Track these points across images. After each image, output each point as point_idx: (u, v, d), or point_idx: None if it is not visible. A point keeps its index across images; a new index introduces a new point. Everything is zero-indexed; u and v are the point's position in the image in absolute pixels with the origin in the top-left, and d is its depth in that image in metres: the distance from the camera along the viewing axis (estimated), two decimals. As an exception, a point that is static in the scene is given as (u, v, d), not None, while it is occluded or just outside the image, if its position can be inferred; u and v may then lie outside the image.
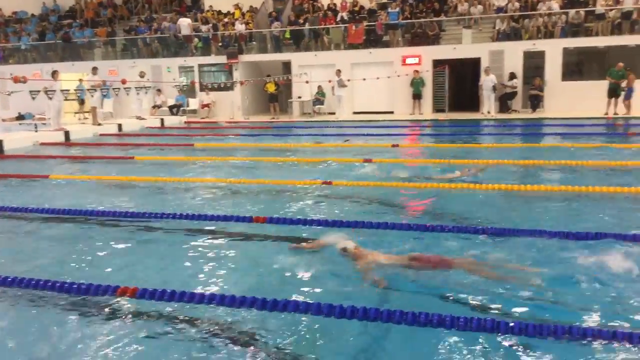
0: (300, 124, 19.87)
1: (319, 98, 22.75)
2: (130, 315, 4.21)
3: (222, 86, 23.37)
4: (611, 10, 20.17)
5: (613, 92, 18.26)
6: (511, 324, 3.66)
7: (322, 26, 23.69)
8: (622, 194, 7.44)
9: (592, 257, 5.01)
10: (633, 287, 4.48)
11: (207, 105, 23.92)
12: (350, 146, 13.60)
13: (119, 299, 4.39)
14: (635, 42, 19.84)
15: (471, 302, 4.31)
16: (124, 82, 19.52)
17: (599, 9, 20.42)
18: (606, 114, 18.28)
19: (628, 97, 18.14)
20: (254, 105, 24.65)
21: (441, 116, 20.55)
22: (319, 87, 22.50)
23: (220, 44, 24.79)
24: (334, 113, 21.95)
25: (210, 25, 25.46)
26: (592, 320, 3.95)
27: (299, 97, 23.32)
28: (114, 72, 24.08)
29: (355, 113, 22.44)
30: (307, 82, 22.37)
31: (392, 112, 22.13)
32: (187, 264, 5.41)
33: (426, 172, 9.44)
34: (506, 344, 3.59)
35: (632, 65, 19.41)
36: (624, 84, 18.19)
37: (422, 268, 4.88)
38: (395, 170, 9.90)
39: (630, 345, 3.46)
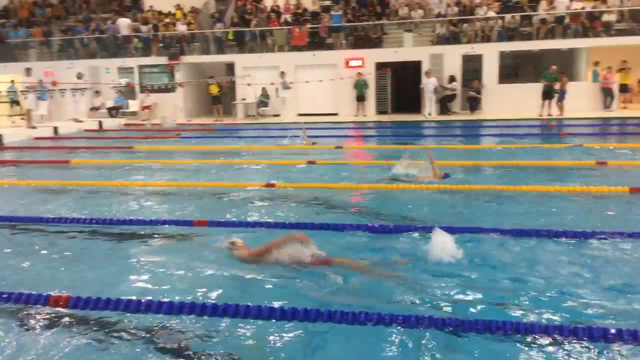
0: (244, 126, 19.71)
1: (263, 100, 22.63)
2: (64, 325, 4.05)
3: (163, 88, 22.92)
4: (546, 15, 20.96)
5: (547, 94, 18.98)
6: (447, 320, 3.72)
7: (266, 28, 23.60)
8: (554, 192, 7.75)
9: (506, 252, 5.26)
10: (554, 281, 4.66)
11: (147, 107, 23.39)
12: (294, 147, 13.57)
13: (52, 308, 4.22)
14: (568, 45, 20.72)
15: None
16: (54, 84, 18.86)
17: (534, 14, 21.18)
18: (540, 115, 18.99)
19: (561, 99, 18.90)
20: (197, 107, 24.29)
21: (384, 118, 20.83)
22: (263, 89, 22.39)
23: (161, 44, 24.31)
24: (278, 115, 21.90)
25: (151, 25, 24.93)
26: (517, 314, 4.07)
27: (243, 99, 23.14)
28: (50, 73, 23.20)
29: (299, 115, 22.45)
30: (249, 84, 22.22)
31: (336, 114, 22.27)
32: (125, 270, 5.24)
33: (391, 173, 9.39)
34: (443, 338, 3.65)
35: (564, 68, 20.28)
36: (557, 86, 18.94)
37: (302, 266, 4.93)
38: (344, 172, 9.96)
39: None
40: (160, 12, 26.65)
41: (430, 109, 20.54)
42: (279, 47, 23.30)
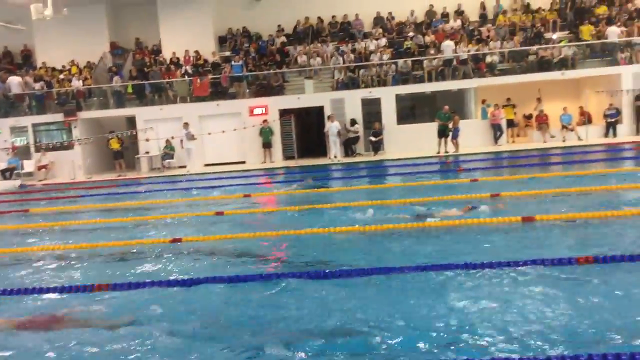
0: (148, 180, 19.22)
1: (168, 152, 22.26)
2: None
3: (59, 145, 22.00)
4: (434, 59, 22.31)
5: (442, 133, 20.05)
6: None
7: (166, 80, 23.43)
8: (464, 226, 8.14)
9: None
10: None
11: (44, 167, 22.29)
12: (202, 199, 13.39)
13: None
14: (457, 86, 22.12)
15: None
16: None
17: (424, 58, 22.48)
18: (438, 152, 19.97)
19: (455, 136, 20.01)
20: (97, 164, 23.44)
21: (291, 163, 21.08)
22: (167, 141, 22.05)
23: (56, 101, 23.44)
24: (184, 167, 21.57)
25: (44, 82, 24.00)
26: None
27: (147, 153, 22.63)
28: None
29: (206, 165, 22.25)
30: (147, 140, 21.81)
31: (244, 162, 22.27)
32: (22, 345, 4.89)
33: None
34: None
35: (456, 107, 21.57)
36: (451, 124, 20.05)
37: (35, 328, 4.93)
38: (253, 220, 9.89)
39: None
40: (54, 69, 25.76)
41: (335, 152, 21.03)
42: (181, 99, 23.18)
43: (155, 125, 22.07)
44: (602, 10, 23.58)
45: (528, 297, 5.15)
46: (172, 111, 22.50)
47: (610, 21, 22.43)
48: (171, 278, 6.45)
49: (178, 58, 24.62)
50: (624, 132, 20.68)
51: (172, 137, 21.54)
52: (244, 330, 4.87)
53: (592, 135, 20.33)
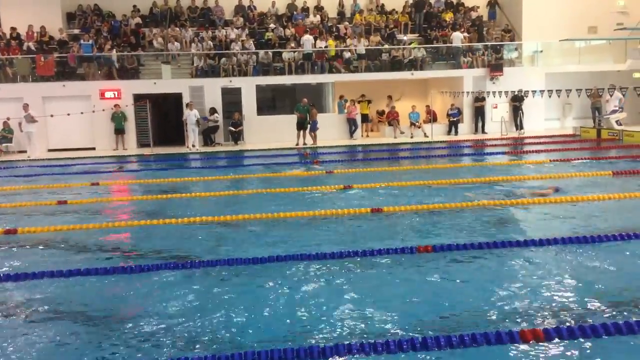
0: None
1: (6, 135, 20.25)
2: None
3: None
4: (295, 52, 22.58)
5: (301, 125, 20.39)
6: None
7: (5, 56, 21.28)
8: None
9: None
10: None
11: None
12: (44, 187, 12.36)
13: None
14: (316, 81, 22.63)
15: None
16: None
17: (283, 50, 22.67)
18: (297, 144, 20.30)
19: (313, 129, 20.47)
20: None
21: (146, 151, 20.20)
22: (5, 123, 20.04)
23: None
24: (25, 151, 19.78)
25: None
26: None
27: (-22, 135, 20.41)
28: None
29: (50, 151, 20.60)
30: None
31: (93, 149, 20.95)
32: None
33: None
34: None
35: (315, 101, 22.05)
36: (309, 117, 20.45)
37: None
38: (101, 210, 9.31)
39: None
40: None
41: (194, 141, 20.51)
42: (22, 77, 21.20)
43: (-10, 105, 19.97)
44: (448, 16, 25.39)
45: (370, 286, 5.41)
46: (11, 91, 20.50)
47: (455, 27, 24.22)
48: (2, 271, 5.90)
49: (19, 33, 22.46)
50: (465, 131, 22.51)
51: (9, 119, 19.62)
52: (86, 326, 4.59)
53: (437, 132, 21.86)
